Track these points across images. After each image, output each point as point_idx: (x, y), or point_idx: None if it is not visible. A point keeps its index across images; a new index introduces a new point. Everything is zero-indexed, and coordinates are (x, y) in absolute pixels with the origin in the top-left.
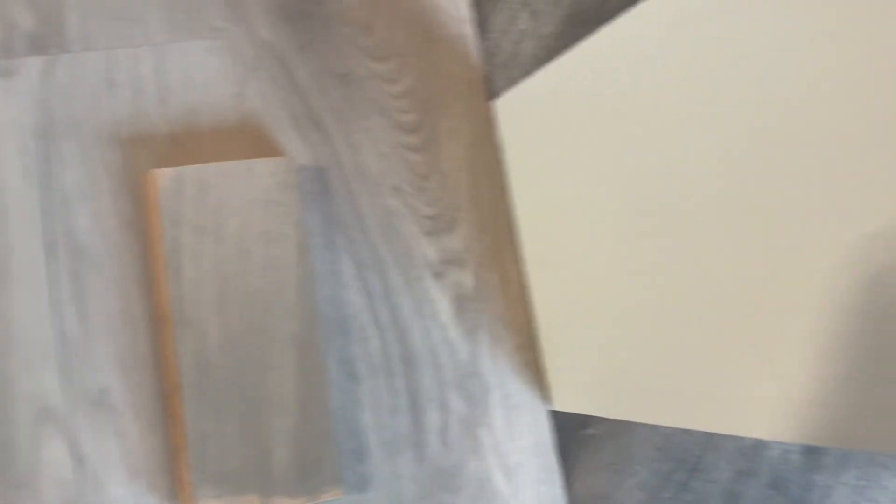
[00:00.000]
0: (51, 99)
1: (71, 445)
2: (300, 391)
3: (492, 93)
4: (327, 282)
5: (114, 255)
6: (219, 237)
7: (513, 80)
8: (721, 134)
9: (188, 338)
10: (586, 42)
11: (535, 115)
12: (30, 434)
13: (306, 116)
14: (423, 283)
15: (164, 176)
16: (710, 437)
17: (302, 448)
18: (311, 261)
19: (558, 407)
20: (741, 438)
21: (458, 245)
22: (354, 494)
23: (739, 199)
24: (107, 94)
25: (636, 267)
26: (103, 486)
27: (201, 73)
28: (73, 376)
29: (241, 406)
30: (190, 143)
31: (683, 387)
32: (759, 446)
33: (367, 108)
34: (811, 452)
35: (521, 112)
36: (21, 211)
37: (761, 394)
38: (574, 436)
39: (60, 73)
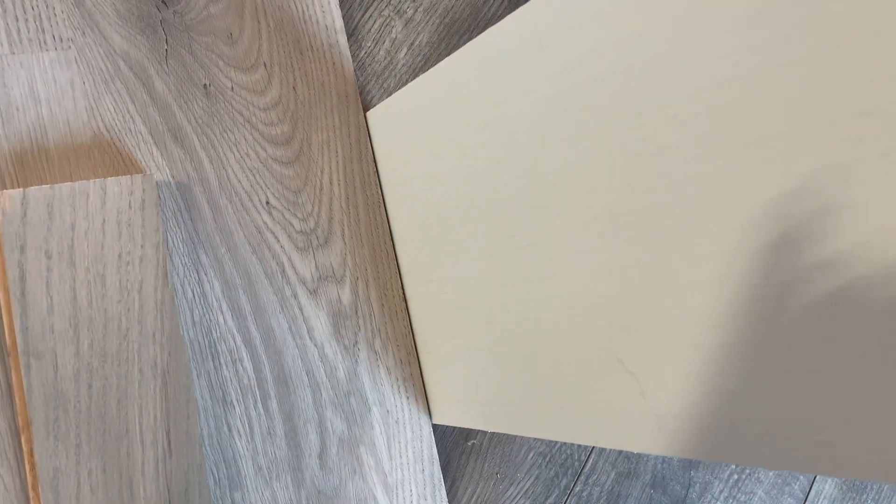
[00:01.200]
0: None
1: None
2: (166, 420)
3: (367, 103)
4: (193, 304)
5: None
6: (70, 262)
7: (388, 90)
8: (591, 145)
9: (37, 370)
10: (459, 52)
11: (408, 126)
12: None
13: (167, 131)
14: (297, 301)
15: (6, 198)
16: None
17: (169, 480)
18: (173, 283)
19: (439, 421)
20: None
21: (334, 260)
22: None
23: (607, 213)
24: None
25: (507, 281)
26: None
27: (48, 86)
28: None
29: (101, 439)
30: (38, 163)
31: (555, 401)
32: None
33: (233, 120)
34: None
35: (393, 123)
36: None
37: (629, 408)
38: (458, 447)
39: None
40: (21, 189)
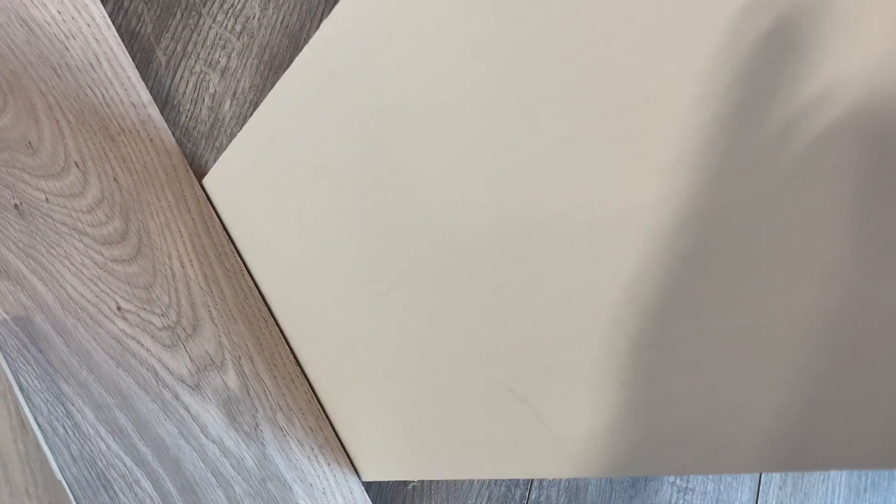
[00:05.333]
0: None
1: None
2: None
3: (203, 170)
4: (69, 439)
5: None
6: None
7: (221, 149)
8: (416, 173)
9: None
10: (268, 97)
11: (247, 183)
12: None
13: None
14: (180, 401)
15: None
16: None
17: None
18: (39, 425)
19: (369, 478)
20: None
21: (208, 347)
22: None
23: (450, 237)
24: None
25: (382, 327)
26: None
27: None
28: None
29: None
30: None
31: (462, 440)
32: None
33: (58, 232)
34: None
35: (232, 183)
36: None
37: (530, 435)
38: (399, 494)
39: None
40: None
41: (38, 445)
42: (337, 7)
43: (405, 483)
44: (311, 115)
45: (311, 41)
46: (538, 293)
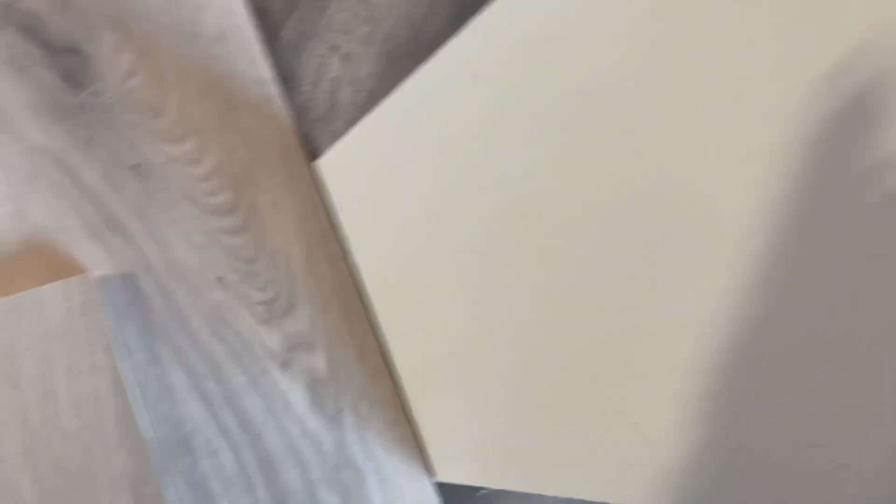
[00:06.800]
0: None
1: None
2: None
3: (315, 152)
4: (159, 400)
5: None
6: (14, 383)
7: (336, 134)
8: (552, 178)
9: None
10: (399, 90)
11: (365, 168)
12: None
13: (102, 221)
14: (269, 376)
15: None
16: None
17: None
18: (133, 382)
19: (443, 478)
20: None
21: (302, 327)
22: None
23: (602, 248)
24: None
25: (497, 328)
26: None
27: None
28: None
29: None
30: None
31: (558, 455)
32: None
33: (171, 197)
34: None
35: (348, 168)
36: None
37: (634, 461)
38: (470, 499)
39: None
40: None
41: (130, 405)
42: (490, 7)
43: (476, 488)
44: (442, 113)
45: (458, 37)
46: (660, 319)
